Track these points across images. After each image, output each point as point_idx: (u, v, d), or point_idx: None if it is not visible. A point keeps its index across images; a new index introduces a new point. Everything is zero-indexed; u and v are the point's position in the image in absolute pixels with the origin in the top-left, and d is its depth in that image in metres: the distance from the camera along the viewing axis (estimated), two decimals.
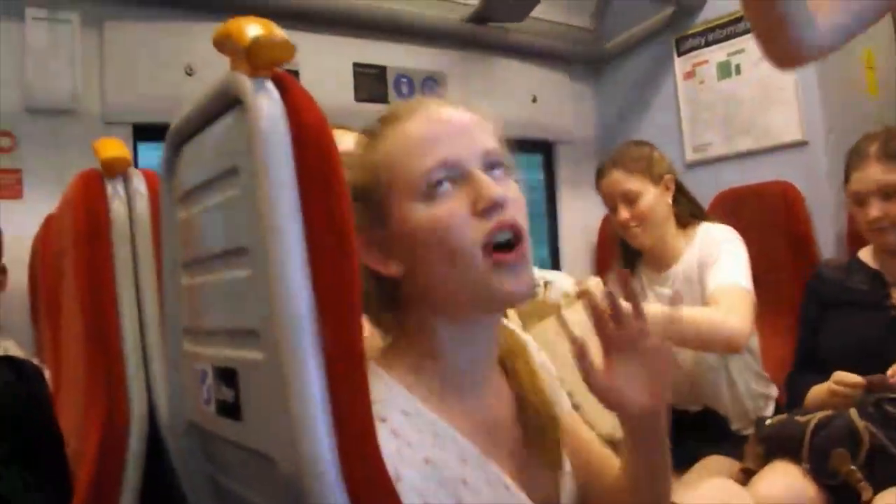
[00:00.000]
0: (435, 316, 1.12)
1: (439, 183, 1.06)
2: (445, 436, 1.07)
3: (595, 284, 2.16)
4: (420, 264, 1.09)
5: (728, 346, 2.19)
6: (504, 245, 1.05)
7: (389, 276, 1.11)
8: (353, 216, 1.06)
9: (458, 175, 1.07)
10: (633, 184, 2.45)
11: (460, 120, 1.12)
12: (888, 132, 2.27)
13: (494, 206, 1.05)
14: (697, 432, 2.37)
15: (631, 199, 2.45)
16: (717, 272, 2.28)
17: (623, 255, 2.64)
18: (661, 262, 2.53)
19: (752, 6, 1.37)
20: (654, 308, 2.04)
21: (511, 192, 1.09)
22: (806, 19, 1.34)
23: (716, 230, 2.45)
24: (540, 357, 1.34)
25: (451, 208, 1.05)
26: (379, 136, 1.13)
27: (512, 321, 1.74)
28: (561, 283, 2.27)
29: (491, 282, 1.05)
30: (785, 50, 1.41)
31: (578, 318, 1.88)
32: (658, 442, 1.19)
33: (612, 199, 2.50)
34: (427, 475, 1.01)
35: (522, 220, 1.08)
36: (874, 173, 2.21)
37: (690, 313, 2.14)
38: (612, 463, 1.30)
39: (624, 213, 2.46)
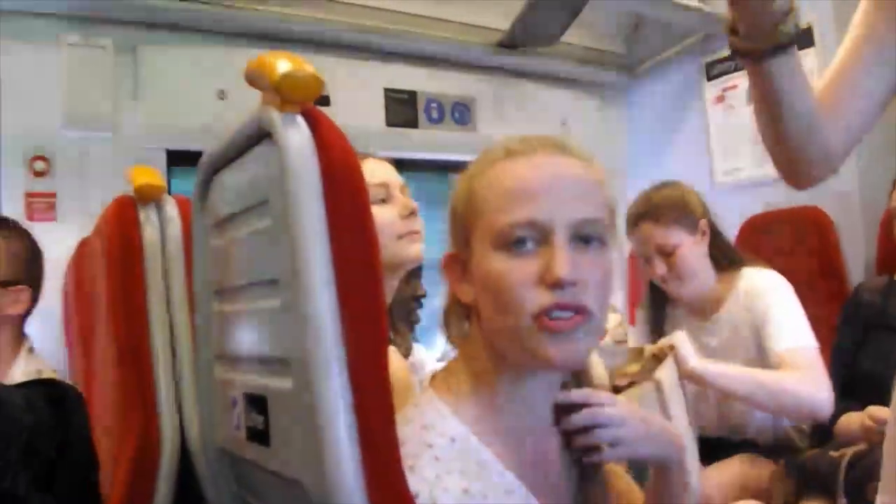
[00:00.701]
0: (493, 353, 1.10)
1: (520, 241, 1.03)
2: (490, 466, 1.07)
3: (680, 339, 2.09)
4: (484, 306, 1.08)
5: (813, 417, 2.12)
6: (560, 318, 1.02)
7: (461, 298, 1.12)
8: (450, 225, 1.13)
9: (540, 238, 1.03)
10: (668, 237, 2.28)
11: (565, 176, 1.06)
12: None
13: (560, 285, 1.00)
14: (723, 452, 2.32)
15: (667, 253, 2.29)
16: (780, 331, 2.14)
17: (652, 298, 2.54)
18: (702, 310, 2.38)
19: (758, 123, 1.36)
20: (734, 371, 2.06)
21: (590, 270, 1.04)
22: (807, 130, 1.31)
23: (760, 277, 2.30)
24: None
25: (520, 270, 1.02)
26: (489, 167, 1.09)
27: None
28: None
29: (532, 345, 1.02)
30: (794, 170, 1.39)
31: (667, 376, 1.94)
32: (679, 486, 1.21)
33: (646, 252, 2.35)
34: None
35: (593, 299, 1.03)
36: None
37: (777, 382, 2.04)
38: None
39: (660, 268, 2.32)
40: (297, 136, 0.92)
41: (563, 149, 1.10)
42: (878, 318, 2.30)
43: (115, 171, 1.91)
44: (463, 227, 1.10)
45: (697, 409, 2.28)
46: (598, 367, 2.12)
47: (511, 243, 1.03)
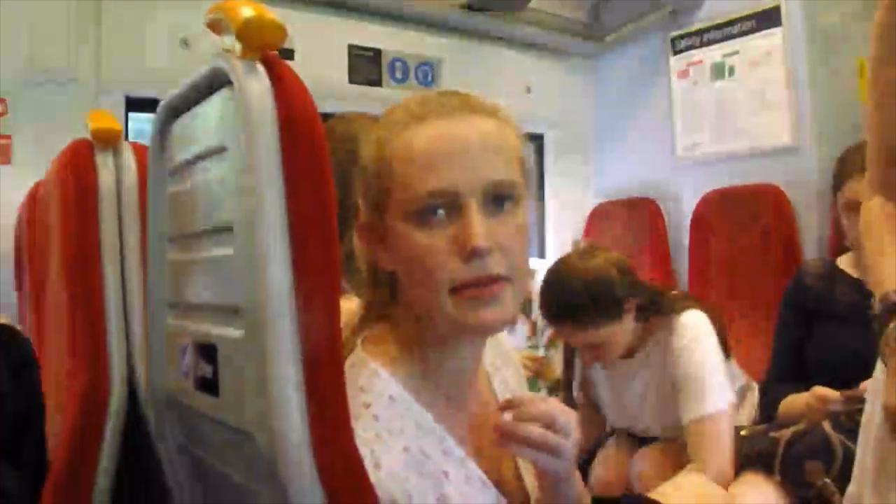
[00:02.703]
0: (417, 320, 1.10)
1: (432, 210, 1.02)
2: (428, 427, 1.08)
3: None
4: (402, 276, 1.08)
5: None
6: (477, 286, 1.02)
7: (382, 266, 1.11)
8: (361, 190, 1.10)
9: (453, 206, 1.01)
10: (594, 336, 2.13)
11: (470, 139, 1.04)
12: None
13: (475, 254, 1.00)
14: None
15: (595, 347, 2.17)
16: (691, 400, 2.08)
17: (569, 358, 2.51)
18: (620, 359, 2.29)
19: None
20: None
21: (506, 232, 1.03)
22: None
23: (681, 330, 2.16)
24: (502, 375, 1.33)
25: (434, 241, 1.01)
26: (396, 133, 1.07)
27: None
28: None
29: (454, 315, 1.02)
30: None
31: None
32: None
33: (577, 347, 2.32)
34: (407, 463, 1.01)
35: (509, 265, 1.03)
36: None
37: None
38: None
39: (587, 357, 2.29)
40: (256, 84, 0.91)
41: (468, 108, 1.08)
42: (823, 305, 2.33)
43: (73, 117, 1.88)
44: (375, 196, 1.08)
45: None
46: None
47: (424, 214, 1.02)
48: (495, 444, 1.11)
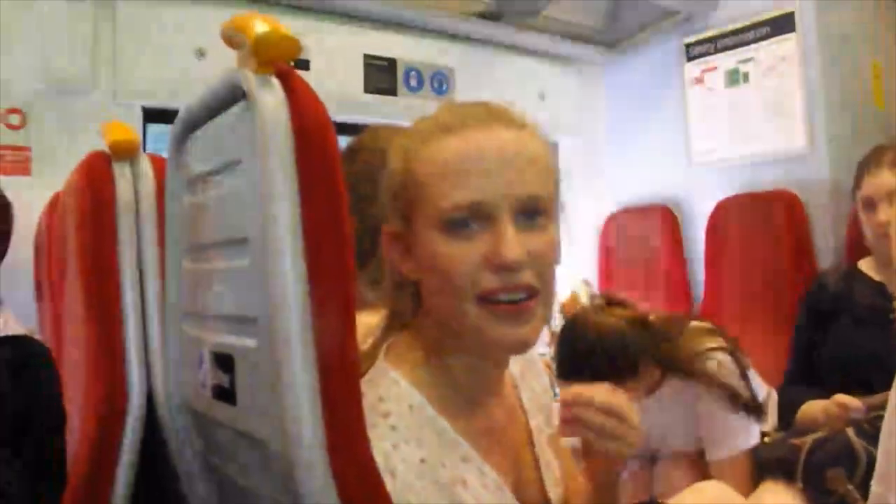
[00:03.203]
0: (441, 329, 1.10)
1: (464, 222, 1.01)
2: (447, 436, 1.08)
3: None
4: (428, 285, 1.08)
5: None
6: (508, 301, 1.01)
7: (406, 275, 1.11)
8: (387, 199, 1.10)
9: (484, 218, 1.01)
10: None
11: (504, 152, 1.03)
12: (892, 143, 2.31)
13: (507, 268, 1.00)
14: None
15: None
16: (715, 442, 2.12)
17: None
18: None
19: None
20: None
21: (537, 247, 1.02)
22: None
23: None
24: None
25: (464, 252, 1.01)
26: (426, 143, 1.07)
27: None
28: (567, 278, 2.28)
29: (482, 329, 1.02)
30: None
31: None
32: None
33: None
34: (422, 474, 1.01)
35: (540, 278, 1.03)
36: (886, 178, 2.25)
37: None
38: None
39: None
40: (271, 98, 0.92)
41: (498, 119, 1.07)
42: (842, 306, 2.34)
43: (92, 128, 1.90)
44: (403, 206, 1.08)
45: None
46: None
47: (453, 225, 1.02)
48: (558, 433, 1.14)
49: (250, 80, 0.93)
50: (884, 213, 2.24)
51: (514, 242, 1.00)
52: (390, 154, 1.13)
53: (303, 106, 0.93)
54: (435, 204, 1.03)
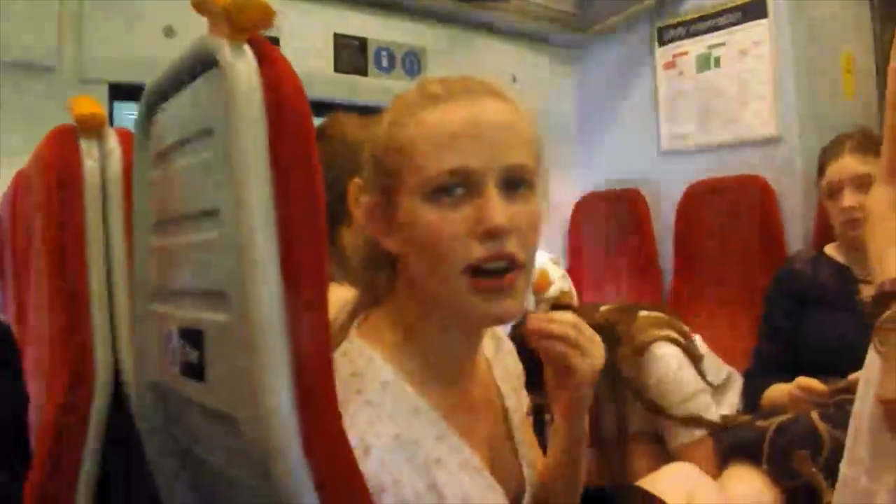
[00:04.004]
0: (420, 304, 1.10)
1: (449, 189, 1.02)
2: (423, 412, 1.07)
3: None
4: (411, 257, 1.07)
5: None
6: (493, 271, 1.02)
7: (386, 249, 1.10)
8: (366, 172, 1.10)
9: (470, 186, 1.02)
10: None
11: (493, 121, 1.05)
12: (863, 130, 2.36)
13: (493, 234, 1.00)
14: None
15: None
16: (673, 426, 2.20)
17: None
18: None
19: None
20: None
21: (522, 217, 1.03)
22: None
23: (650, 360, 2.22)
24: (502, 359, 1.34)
25: (450, 221, 1.01)
26: (412, 113, 1.07)
27: None
28: (538, 258, 2.28)
29: (468, 302, 1.03)
30: None
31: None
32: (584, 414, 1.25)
33: None
34: (397, 450, 1.00)
35: (525, 248, 1.04)
36: (849, 164, 2.29)
37: None
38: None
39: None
40: (243, 65, 0.90)
41: (485, 90, 1.08)
42: (810, 290, 2.36)
43: (56, 106, 1.86)
44: (386, 176, 1.07)
45: None
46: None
47: (440, 193, 1.02)
48: (530, 342, 1.15)
49: (222, 46, 0.91)
50: (848, 198, 2.27)
51: (500, 208, 1.00)
52: (373, 125, 1.13)
53: (276, 74, 0.91)
54: (421, 171, 1.03)
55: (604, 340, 1.21)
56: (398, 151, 1.06)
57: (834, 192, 2.33)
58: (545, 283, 2.37)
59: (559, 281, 2.38)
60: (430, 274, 1.04)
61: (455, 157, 1.02)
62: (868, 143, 2.26)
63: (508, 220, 1.01)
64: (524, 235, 1.03)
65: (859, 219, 2.20)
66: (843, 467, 1.54)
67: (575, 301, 2.38)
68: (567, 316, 1.16)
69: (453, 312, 1.06)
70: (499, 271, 1.02)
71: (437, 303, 1.07)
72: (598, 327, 1.96)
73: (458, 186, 1.02)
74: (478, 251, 1.01)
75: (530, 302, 2.33)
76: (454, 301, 1.03)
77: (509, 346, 1.37)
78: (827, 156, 2.39)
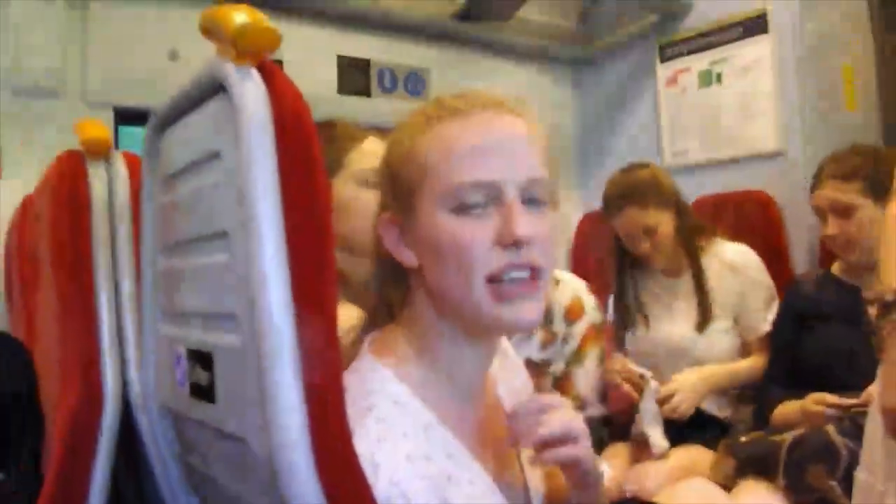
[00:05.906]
0: (438, 317, 1.11)
1: (472, 201, 1.03)
2: (434, 429, 1.07)
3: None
4: (431, 269, 1.08)
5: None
6: (515, 280, 1.04)
7: (402, 264, 1.11)
8: (383, 187, 1.12)
9: (493, 197, 1.04)
10: (650, 217, 2.45)
11: (513, 135, 1.07)
12: (850, 150, 2.32)
13: (518, 244, 1.02)
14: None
15: (651, 232, 2.46)
16: (763, 316, 2.49)
17: (619, 260, 2.68)
18: (669, 271, 2.59)
19: None
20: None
21: (540, 229, 1.05)
22: None
23: (739, 253, 2.57)
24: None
25: (475, 232, 1.03)
26: (431, 126, 1.08)
27: None
28: (572, 283, 2.31)
29: (492, 310, 1.04)
30: None
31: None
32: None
33: (631, 234, 2.51)
34: (408, 468, 1.00)
35: (544, 259, 1.06)
36: (826, 193, 2.27)
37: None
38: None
39: (645, 246, 2.50)
40: (251, 89, 0.92)
41: (503, 106, 1.10)
42: (817, 308, 2.34)
43: (62, 128, 1.87)
44: (404, 189, 1.09)
45: None
46: None
47: (462, 205, 1.03)
48: (508, 445, 1.14)
49: (230, 71, 0.92)
50: (831, 226, 2.26)
51: (524, 219, 1.02)
52: (388, 142, 1.14)
53: (283, 98, 0.93)
54: (444, 184, 1.04)
55: None
56: (417, 164, 1.07)
57: (820, 217, 2.33)
58: (579, 310, 2.37)
59: (591, 312, 2.39)
60: (453, 284, 1.05)
61: (478, 169, 1.03)
62: (846, 168, 2.24)
63: (532, 229, 1.03)
64: (545, 248, 1.06)
65: (842, 245, 2.26)
66: (858, 473, 1.55)
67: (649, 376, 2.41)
68: (533, 406, 1.13)
69: (475, 322, 1.07)
70: (520, 279, 1.03)
71: (458, 313, 1.07)
72: None
73: (480, 198, 1.03)
74: (501, 260, 1.02)
75: (560, 327, 2.35)
76: (477, 309, 1.04)
77: (518, 364, 1.37)
78: (816, 179, 2.36)
